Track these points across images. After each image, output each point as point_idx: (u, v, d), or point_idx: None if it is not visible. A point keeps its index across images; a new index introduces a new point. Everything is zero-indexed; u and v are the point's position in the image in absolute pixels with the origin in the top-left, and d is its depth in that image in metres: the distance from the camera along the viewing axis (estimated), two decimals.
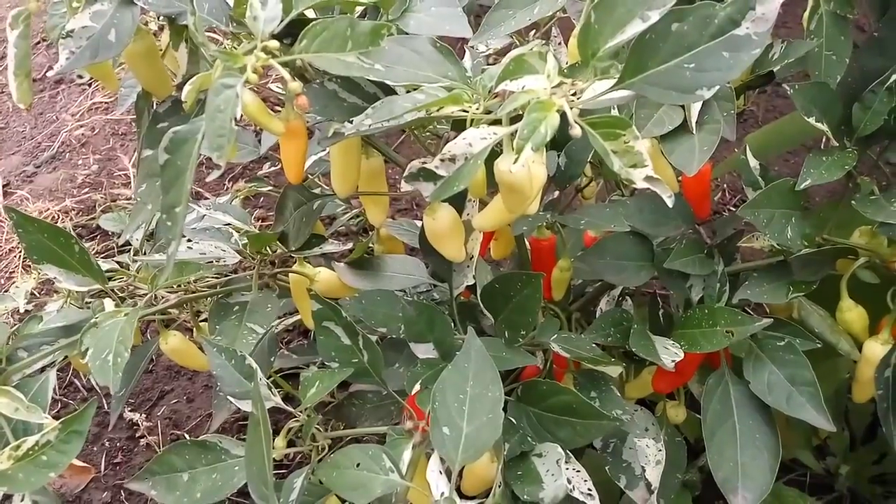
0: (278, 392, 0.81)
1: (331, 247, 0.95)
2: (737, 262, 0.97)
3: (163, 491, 0.73)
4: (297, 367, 1.64)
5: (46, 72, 2.37)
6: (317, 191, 0.95)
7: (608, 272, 0.89)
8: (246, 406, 0.77)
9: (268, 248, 1.03)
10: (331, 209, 1.25)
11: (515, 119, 0.56)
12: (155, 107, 0.77)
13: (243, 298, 0.96)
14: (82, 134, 2.15)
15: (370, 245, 1.16)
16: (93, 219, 1.90)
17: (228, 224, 1.06)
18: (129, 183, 1.98)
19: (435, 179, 0.61)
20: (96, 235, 1.89)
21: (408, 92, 0.61)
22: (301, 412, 0.74)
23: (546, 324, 0.88)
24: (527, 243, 1.00)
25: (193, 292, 0.99)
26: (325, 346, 0.73)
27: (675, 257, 0.87)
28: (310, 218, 0.92)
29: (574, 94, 0.56)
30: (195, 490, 0.72)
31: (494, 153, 0.61)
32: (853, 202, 0.84)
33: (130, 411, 1.55)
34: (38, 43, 2.44)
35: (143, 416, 1.55)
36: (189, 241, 0.96)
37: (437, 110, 0.62)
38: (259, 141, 1.27)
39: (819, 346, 0.86)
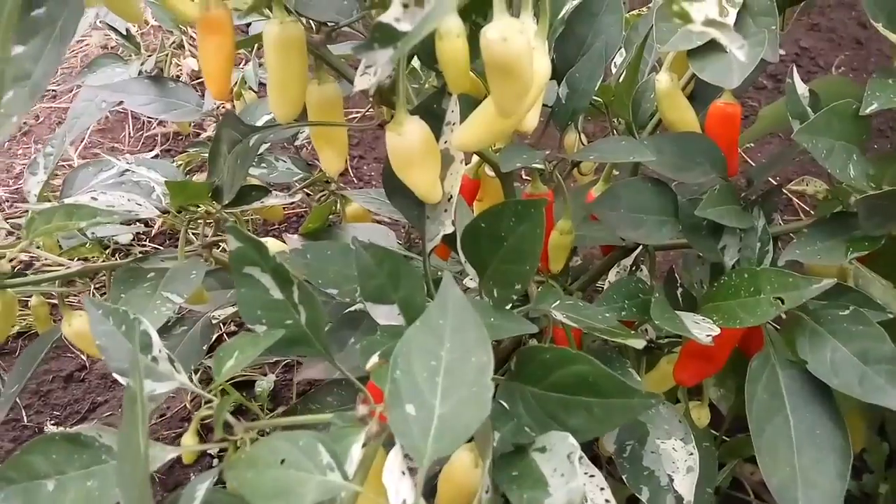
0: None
1: (274, 199, 0.75)
2: (776, 223, 0.79)
3: None
4: (250, 375, 1.45)
5: None
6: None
7: (623, 226, 0.71)
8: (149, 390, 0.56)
9: (200, 208, 0.84)
10: (287, 176, 1.06)
11: None
12: None
13: (162, 265, 0.76)
14: (24, 122, 1.95)
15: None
16: None
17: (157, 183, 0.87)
18: None
19: (395, 41, 0.42)
20: None
21: None
22: (212, 395, 0.54)
23: (545, 291, 0.69)
24: None
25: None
26: (247, 301, 0.53)
27: (706, 205, 0.69)
28: (246, 159, 0.73)
29: None
30: (62, 502, 0.52)
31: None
32: None
33: (53, 424, 1.32)
34: None
35: (70, 429, 1.32)
36: (93, 191, 0.76)
37: None
38: (202, 96, 1.09)
39: (892, 315, 0.68)
